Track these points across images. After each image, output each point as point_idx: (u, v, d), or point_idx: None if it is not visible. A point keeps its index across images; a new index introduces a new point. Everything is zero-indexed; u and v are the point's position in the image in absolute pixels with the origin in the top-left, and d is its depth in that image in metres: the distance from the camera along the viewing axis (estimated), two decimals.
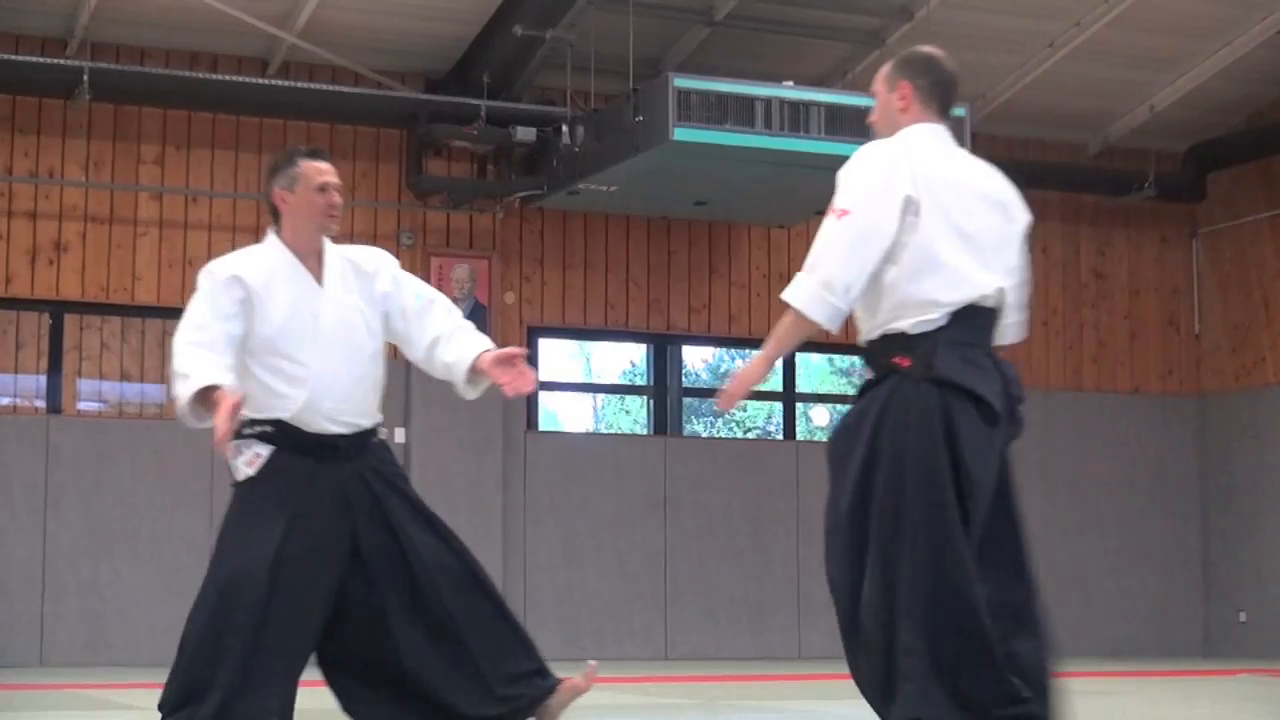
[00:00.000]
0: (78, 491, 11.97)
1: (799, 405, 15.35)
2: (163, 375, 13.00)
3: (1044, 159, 14.74)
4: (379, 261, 5.61)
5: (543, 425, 14.03)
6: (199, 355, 5.30)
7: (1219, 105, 14.44)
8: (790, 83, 11.82)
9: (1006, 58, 13.53)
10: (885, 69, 5.06)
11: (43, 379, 12.37)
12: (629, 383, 16.40)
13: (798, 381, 14.92)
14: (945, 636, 4.60)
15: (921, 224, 4.73)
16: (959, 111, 12.04)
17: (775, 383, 14.48)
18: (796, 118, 11.57)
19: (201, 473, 12.23)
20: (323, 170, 5.52)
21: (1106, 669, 11.68)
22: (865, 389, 4.80)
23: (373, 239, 12.79)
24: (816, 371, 24.40)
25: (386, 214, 12.91)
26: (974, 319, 4.74)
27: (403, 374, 12.37)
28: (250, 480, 5.60)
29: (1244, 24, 13.26)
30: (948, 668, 4.60)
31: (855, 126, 11.71)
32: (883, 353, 4.74)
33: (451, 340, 5.53)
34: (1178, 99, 14.12)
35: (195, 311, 5.39)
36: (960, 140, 13.15)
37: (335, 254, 5.56)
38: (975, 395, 4.66)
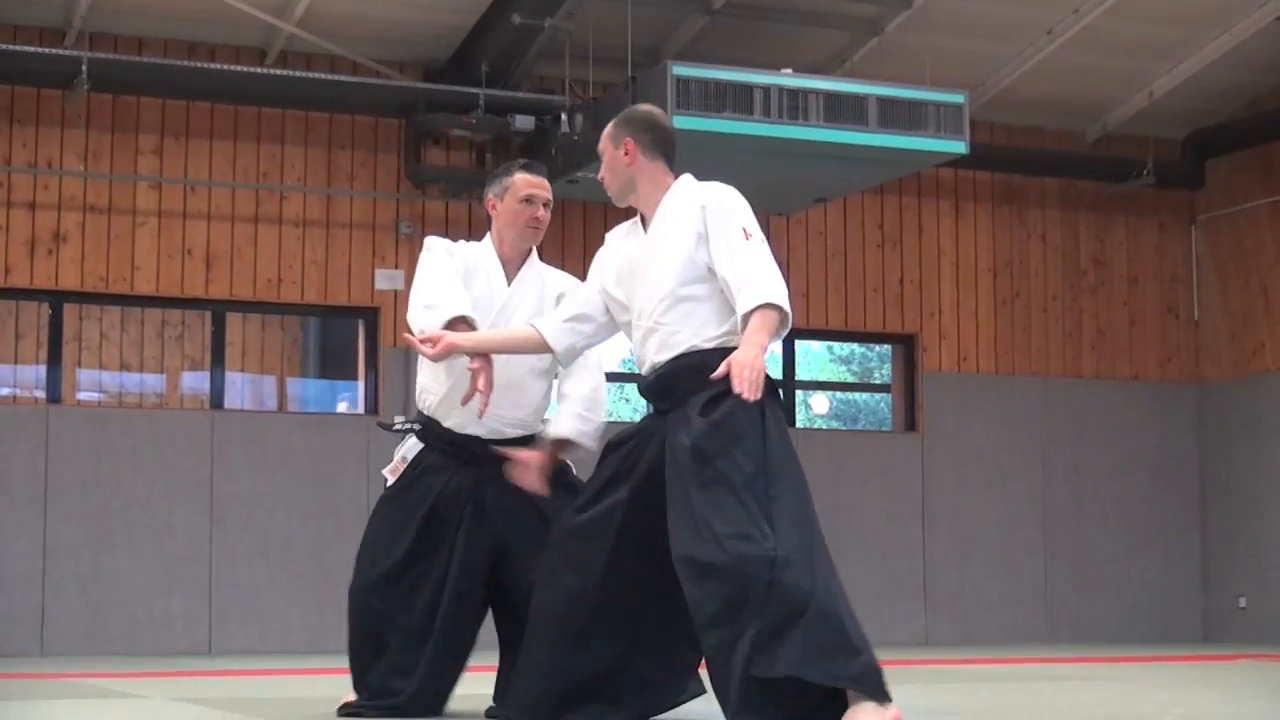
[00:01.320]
0: (78, 482, 11.97)
1: (799, 393, 15.36)
2: (162, 365, 13.02)
3: (1042, 147, 14.74)
4: (568, 288, 5.92)
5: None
6: (445, 290, 5.67)
7: (1218, 92, 14.43)
8: (789, 70, 11.82)
9: (1004, 45, 13.53)
10: (609, 128, 5.49)
11: (42, 369, 12.38)
12: (629, 371, 16.46)
13: (797, 369, 14.93)
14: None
15: None
16: (957, 99, 12.04)
17: (774, 370, 14.48)
18: (795, 105, 11.57)
19: (202, 463, 12.24)
20: (532, 183, 5.92)
21: (1106, 655, 11.69)
22: (715, 397, 5.10)
23: (372, 229, 12.81)
24: (816, 359, 24.42)
25: (385, 204, 12.91)
26: None
27: (402, 360, 12.38)
28: (391, 488, 5.93)
29: (1243, 11, 13.25)
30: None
31: (854, 114, 11.71)
32: (720, 363, 5.11)
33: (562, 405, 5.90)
34: (1176, 86, 14.11)
35: (433, 264, 5.78)
36: (959, 128, 13.06)
37: (535, 268, 5.94)
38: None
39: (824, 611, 4.83)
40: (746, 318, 5.11)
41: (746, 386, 4.94)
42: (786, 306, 5.11)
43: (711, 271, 5.24)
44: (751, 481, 4.99)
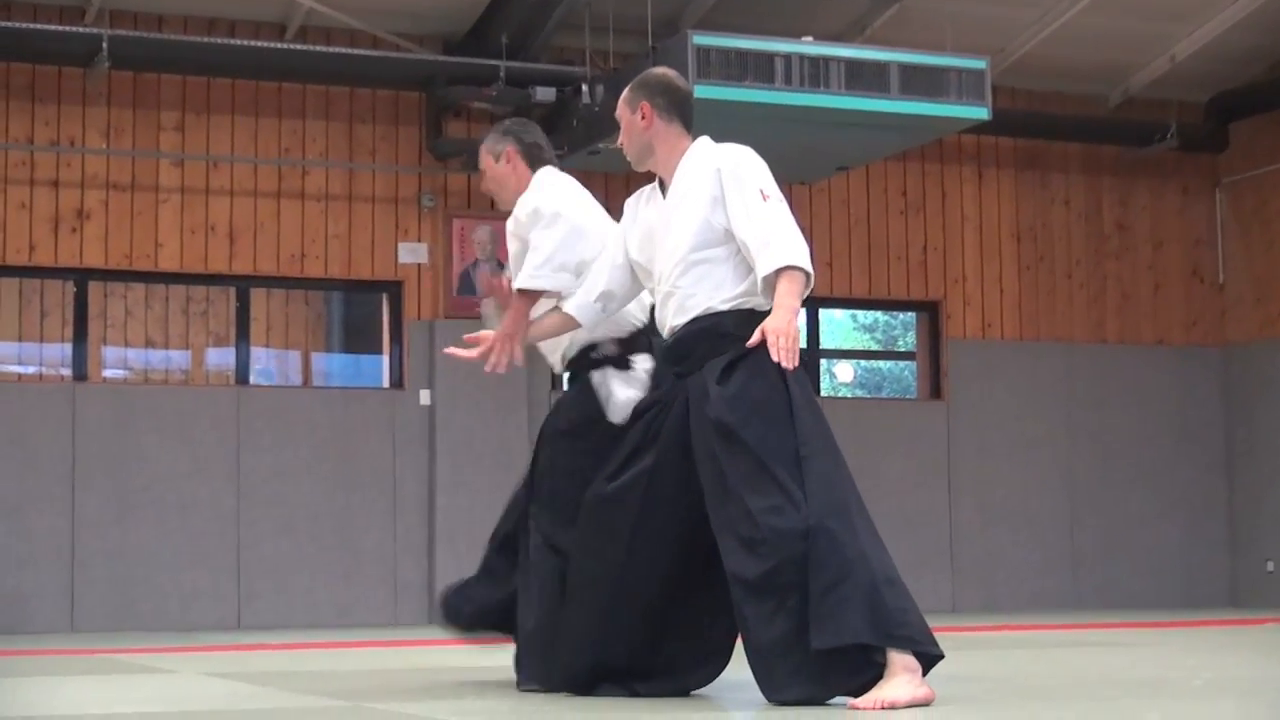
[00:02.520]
0: (104, 459, 12.01)
1: (823, 362, 15.35)
2: (187, 342, 13.05)
3: (1064, 111, 14.68)
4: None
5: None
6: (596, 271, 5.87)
7: (1240, 55, 14.36)
8: (809, 38, 11.79)
9: (1026, 10, 13.47)
10: (625, 93, 5.53)
11: (68, 347, 12.42)
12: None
13: (821, 337, 14.92)
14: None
15: None
16: (978, 64, 11.99)
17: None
18: (816, 73, 11.54)
19: (228, 439, 12.27)
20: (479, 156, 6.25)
21: (1132, 620, 11.68)
22: (731, 363, 5.14)
23: (394, 202, 12.81)
24: (840, 327, 24.41)
25: (407, 177, 12.90)
26: None
27: (426, 333, 12.38)
28: None
29: None
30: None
31: (874, 82, 11.67)
32: (747, 324, 5.14)
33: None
34: (1198, 49, 14.04)
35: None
36: (981, 94, 12.98)
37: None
38: None
39: (867, 573, 4.81)
40: (767, 280, 5.09)
41: (784, 355, 4.94)
42: (808, 266, 5.09)
43: (728, 234, 5.23)
44: (779, 450, 4.97)
